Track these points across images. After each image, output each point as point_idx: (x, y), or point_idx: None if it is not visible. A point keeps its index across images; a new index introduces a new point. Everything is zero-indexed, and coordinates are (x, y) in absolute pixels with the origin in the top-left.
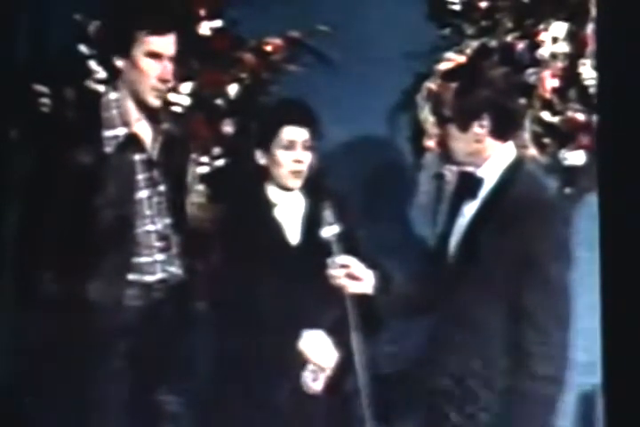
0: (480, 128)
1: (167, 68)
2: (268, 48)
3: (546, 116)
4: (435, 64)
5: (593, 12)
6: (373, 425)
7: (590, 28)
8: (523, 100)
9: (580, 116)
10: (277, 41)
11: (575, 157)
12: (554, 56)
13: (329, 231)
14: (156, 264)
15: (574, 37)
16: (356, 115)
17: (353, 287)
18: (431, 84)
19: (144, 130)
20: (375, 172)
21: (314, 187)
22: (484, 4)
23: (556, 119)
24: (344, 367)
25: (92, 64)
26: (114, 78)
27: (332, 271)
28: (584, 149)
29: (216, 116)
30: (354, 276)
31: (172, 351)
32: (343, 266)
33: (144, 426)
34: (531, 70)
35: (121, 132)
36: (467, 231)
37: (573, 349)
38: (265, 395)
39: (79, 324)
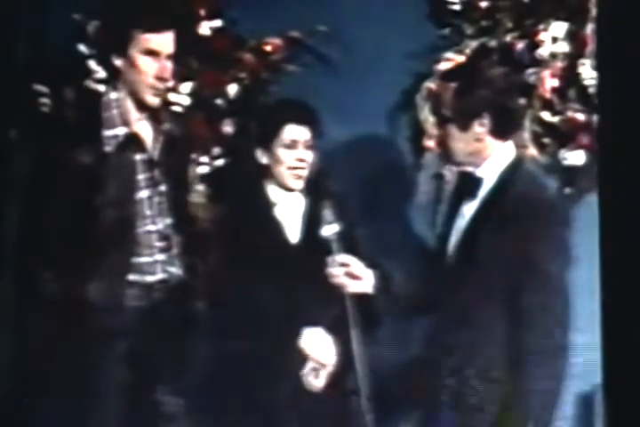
0: (480, 127)
1: (165, 66)
2: (268, 48)
3: (545, 115)
4: (434, 64)
5: (592, 11)
6: (373, 424)
7: (590, 28)
8: (522, 100)
9: (580, 116)
10: (277, 41)
11: (575, 157)
12: (553, 56)
13: (329, 230)
14: (156, 264)
15: (574, 37)
16: (355, 115)
17: (352, 286)
18: (431, 84)
19: (145, 130)
20: (375, 171)
21: (314, 186)
22: (483, 4)
23: (555, 119)
24: (345, 365)
25: (92, 64)
26: (113, 78)
27: (332, 270)
28: (584, 149)
29: (216, 116)
30: (353, 275)
31: (171, 351)
32: (343, 265)
33: (144, 426)
34: (530, 70)
35: (121, 131)
36: (466, 231)
37: (573, 348)
38: (266, 393)
39: (79, 324)
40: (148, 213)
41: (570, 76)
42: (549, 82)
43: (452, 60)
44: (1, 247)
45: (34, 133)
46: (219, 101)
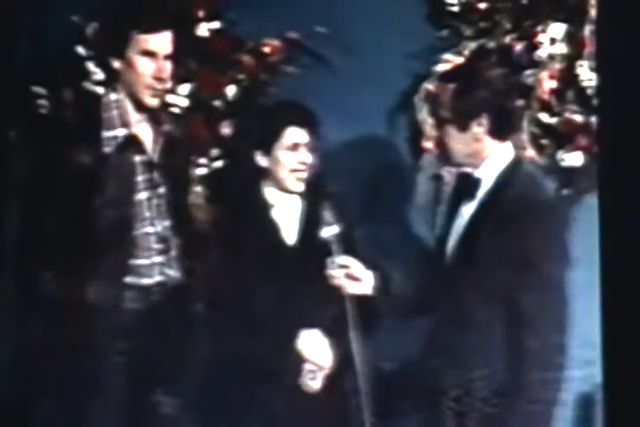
0: (479, 127)
1: (163, 66)
2: (267, 49)
3: (544, 117)
4: (433, 65)
5: (591, 13)
6: (373, 425)
7: (588, 30)
8: (520, 102)
9: (578, 118)
10: (276, 42)
11: (573, 159)
12: (552, 57)
13: (328, 232)
14: (154, 267)
15: (572, 39)
16: (354, 116)
17: (352, 288)
18: (429, 86)
19: (144, 131)
20: (374, 173)
21: (313, 188)
22: (482, 6)
23: (553, 120)
24: (342, 367)
25: (90, 65)
26: (112, 79)
27: (332, 272)
28: (582, 151)
29: (214, 118)
30: (353, 276)
31: (169, 353)
32: (343, 266)
33: None
34: (529, 71)
35: (121, 132)
36: (465, 232)
37: (572, 349)
38: (263, 395)
39: (78, 325)
40: (146, 214)
41: (568, 78)
42: (548, 83)
43: (450, 61)
44: (1, 247)
45: (33, 134)
46: (217, 103)
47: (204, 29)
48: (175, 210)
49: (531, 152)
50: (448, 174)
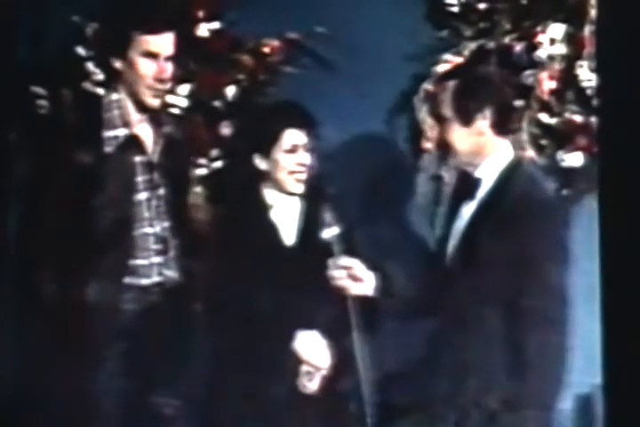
0: (483, 120)
1: (164, 67)
2: (266, 50)
3: (543, 117)
4: (432, 66)
5: (591, 13)
6: (373, 425)
7: (588, 30)
8: (520, 102)
9: (578, 118)
10: (275, 43)
11: (573, 159)
12: (551, 58)
13: (329, 233)
14: (152, 267)
15: (572, 39)
16: (353, 116)
17: (354, 289)
18: (429, 86)
19: (145, 132)
20: (374, 173)
21: (313, 189)
22: (481, 6)
23: (553, 121)
24: (340, 368)
25: (90, 66)
26: (112, 80)
27: (334, 272)
28: (582, 151)
29: (214, 118)
30: (355, 277)
31: (168, 354)
32: (345, 267)
33: None
34: (528, 72)
35: (121, 132)
36: (465, 232)
37: (572, 349)
38: (262, 396)
39: (77, 325)
40: (145, 215)
41: (568, 78)
42: (547, 84)
43: (450, 61)
44: (1, 247)
45: (33, 135)
46: (217, 103)
47: (203, 30)
48: (174, 211)
49: (531, 152)
50: (448, 174)
